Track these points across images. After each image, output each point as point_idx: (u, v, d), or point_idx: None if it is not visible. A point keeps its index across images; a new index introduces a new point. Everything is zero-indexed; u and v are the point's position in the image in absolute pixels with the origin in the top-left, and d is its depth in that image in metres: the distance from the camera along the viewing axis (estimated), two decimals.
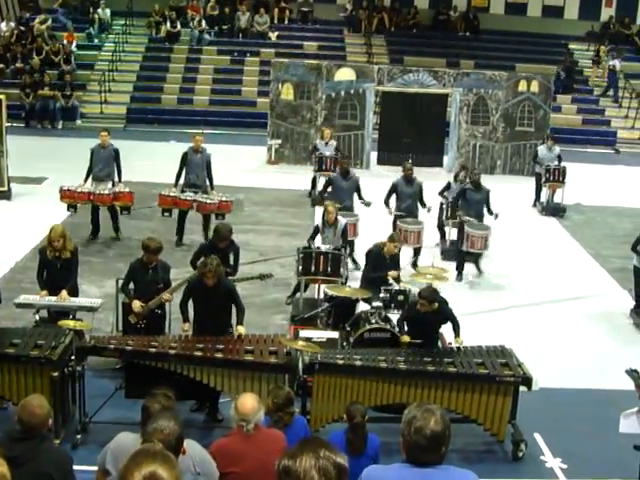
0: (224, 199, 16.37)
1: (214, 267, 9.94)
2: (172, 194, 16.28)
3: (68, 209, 16.30)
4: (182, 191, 16.44)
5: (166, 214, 16.45)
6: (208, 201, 16.16)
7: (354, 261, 15.26)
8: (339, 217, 13.84)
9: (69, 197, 16.16)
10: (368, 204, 15.76)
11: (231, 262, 11.97)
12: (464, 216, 15.31)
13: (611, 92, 32.49)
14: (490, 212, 15.59)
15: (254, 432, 6.57)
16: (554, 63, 32.41)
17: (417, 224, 15.41)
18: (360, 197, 15.95)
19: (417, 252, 15.29)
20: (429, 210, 15.73)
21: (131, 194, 16.34)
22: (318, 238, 13.75)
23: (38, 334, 9.81)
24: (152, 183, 18.49)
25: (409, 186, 15.83)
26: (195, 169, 16.58)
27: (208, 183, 16.60)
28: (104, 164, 16.50)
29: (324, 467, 3.77)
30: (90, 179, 16.49)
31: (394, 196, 15.86)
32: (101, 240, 16.33)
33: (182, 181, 16.61)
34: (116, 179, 16.61)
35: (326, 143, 20.61)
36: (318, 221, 14.27)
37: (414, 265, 14.73)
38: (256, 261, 15.52)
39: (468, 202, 15.58)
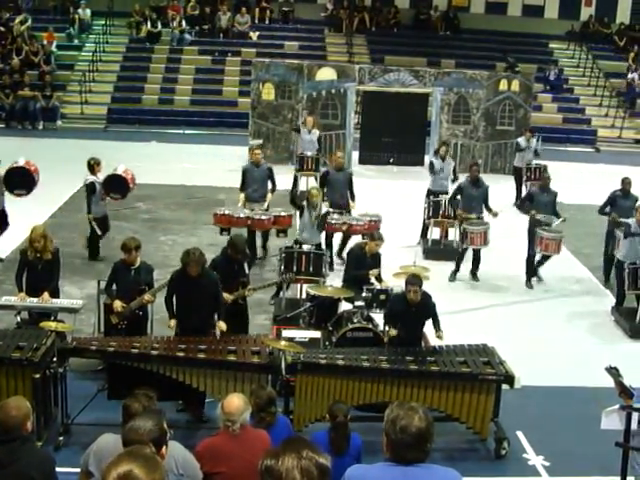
0: (373, 219, 15.66)
1: (197, 257, 9.96)
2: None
3: (221, 233, 15.42)
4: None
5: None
6: (360, 222, 15.42)
7: (457, 267, 15.50)
8: (321, 205, 13.84)
9: (226, 222, 15.33)
10: (495, 214, 15.68)
11: (247, 271, 11.83)
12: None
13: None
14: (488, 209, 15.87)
15: (240, 432, 6.58)
16: (535, 62, 32.58)
17: (483, 224, 15.52)
18: (487, 206, 15.89)
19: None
20: (495, 215, 15.72)
21: (290, 217, 15.51)
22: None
23: (20, 336, 9.78)
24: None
25: (475, 189, 15.98)
26: (340, 188, 16.03)
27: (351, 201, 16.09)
28: (259, 184, 15.90)
29: (306, 467, 3.77)
30: (243, 199, 15.87)
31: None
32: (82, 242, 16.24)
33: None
34: (269, 196, 16.00)
35: (309, 131, 20.63)
36: (298, 219, 14.26)
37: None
38: None
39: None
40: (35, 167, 15.65)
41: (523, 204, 15.88)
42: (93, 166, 15.13)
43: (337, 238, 15.74)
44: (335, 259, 15.65)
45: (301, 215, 14.14)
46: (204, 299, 10.20)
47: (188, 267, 9.99)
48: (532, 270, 15.59)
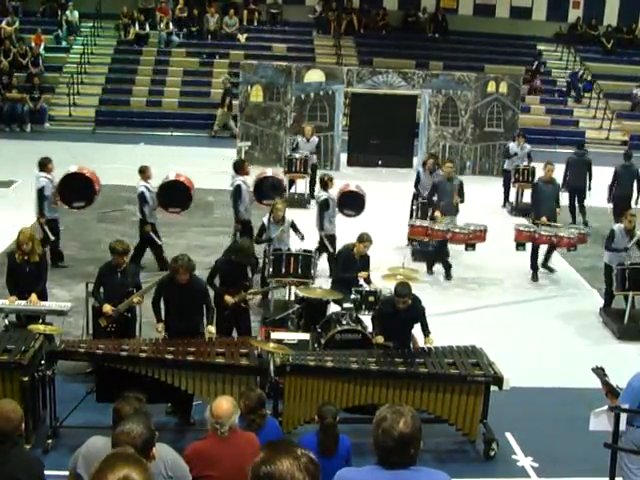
0: (582, 232, 15.74)
1: (185, 263, 9.96)
2: (530, 230, 15.66)
3: (411, 243, 15.62)
4: (534, 223, 15.87)
5: (520, 248, 15.85)
6: (566, 234, 15.45)
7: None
8: (285, 215, 13.75)
9: (420, 233, 15.48)
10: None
11: (250, 275, 11.78)
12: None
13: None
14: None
15: (229, 435, 6.57)
16: (523, 64, 32.65)
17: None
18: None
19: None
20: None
21: (484, 232, 15.52)
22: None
23: (8, 338, 9.75)
24: (122, 186, 18.42)
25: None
26: (547, 201, 16.10)
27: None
28: (451, 198, 15.84)
29: (305, 465, 3.75)
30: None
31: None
32: (71, 245, 16.17)
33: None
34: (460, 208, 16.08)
35: (308, 140, 20.66)
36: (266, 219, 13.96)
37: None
38: None
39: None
40: (192, 183, 15.92)
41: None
42: (327, 182, 15.12)
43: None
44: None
45: (265, 230, 13.65)
46: (193, 305, 10.23)
47: (177, 275, 9.98)
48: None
